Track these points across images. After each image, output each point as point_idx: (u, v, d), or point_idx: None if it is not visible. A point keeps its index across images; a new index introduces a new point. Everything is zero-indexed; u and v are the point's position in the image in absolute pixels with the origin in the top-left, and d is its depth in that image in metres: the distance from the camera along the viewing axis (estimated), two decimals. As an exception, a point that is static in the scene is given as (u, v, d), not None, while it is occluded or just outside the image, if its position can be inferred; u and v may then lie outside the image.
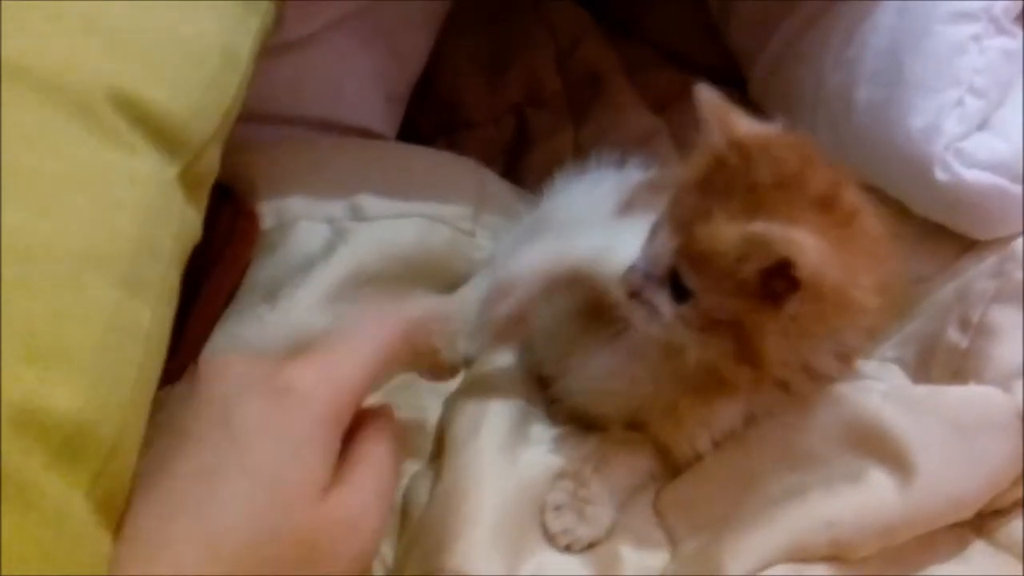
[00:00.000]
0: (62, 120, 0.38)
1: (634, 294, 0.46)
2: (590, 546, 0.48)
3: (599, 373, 0.51)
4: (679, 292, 0.44)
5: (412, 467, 0.53)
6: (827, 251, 0.40)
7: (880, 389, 0.49)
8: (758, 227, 0.41)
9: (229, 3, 0.50)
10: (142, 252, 0.38)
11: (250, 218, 0.63)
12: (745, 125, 0.45)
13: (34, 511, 0.30)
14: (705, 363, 0.46)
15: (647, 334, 0.47)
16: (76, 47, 0.40)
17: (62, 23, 0.41)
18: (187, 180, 0.44)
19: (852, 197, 0.44)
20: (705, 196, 0.43)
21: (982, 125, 0.60)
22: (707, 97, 0.46)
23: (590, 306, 0.52)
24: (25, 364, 0.31)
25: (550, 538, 0.48)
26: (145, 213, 0.39)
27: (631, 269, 0.46)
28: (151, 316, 0.38)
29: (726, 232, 0.42)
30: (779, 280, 0.41)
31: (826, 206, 0.43)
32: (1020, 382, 0.48)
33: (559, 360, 0.54)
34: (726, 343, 0.44)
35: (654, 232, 0.46)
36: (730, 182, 0.43)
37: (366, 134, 0.78)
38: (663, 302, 0.45)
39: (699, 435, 0.49)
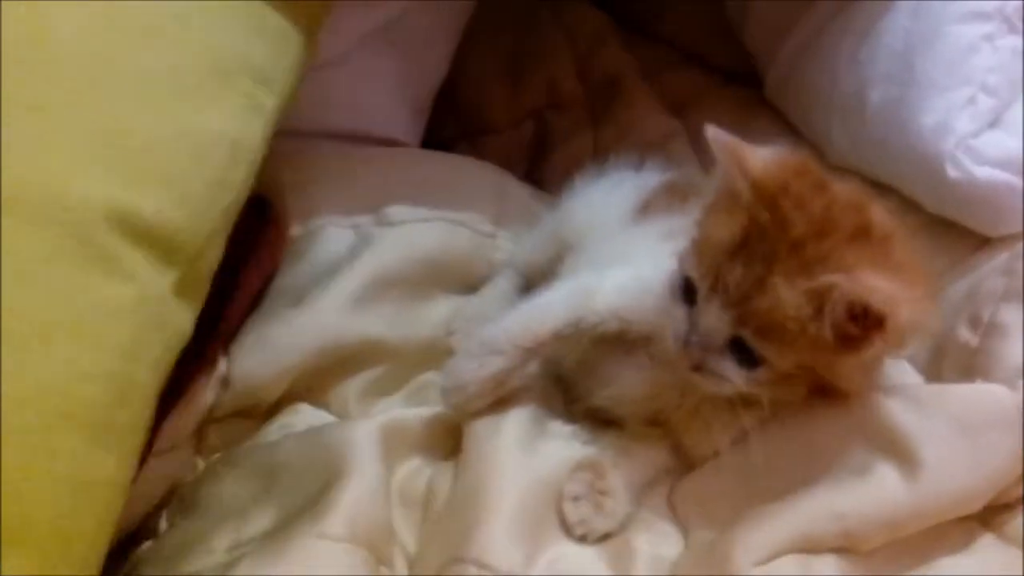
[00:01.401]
0: (57, 254, 0.38)
1: (697, 367, 0.46)
2: (605, 537, 0.49)
3: (623, 379, 0.52)
4: (746, 357, 0.44)
5: (434, 461, 0.55)
6: (893, 286, 0.41)
7: (888, 387, 0.49)
8: (828, 282, 0.41)
9: (247, 86, 0.49)
10: (122, 394, 0.39)
11: (279, 226, 0.66)
12: (759, 161, 0.45)
13: None
14: (778, 400, 0.47)
15: (717, 392, 0.47)
16: (76, 161, 0.40)
17: (62, 133, 0.40)
18: (184, 284, 0.44)
19: (878, 215, 0.45)
20: (751, 264, 0.43)
21: (994, 123, 0.60)
22: (719, 137, 0.46)
23: (606, 334, 0.52)
24: None
25: (566, 528, 0.49)
26: (134, 346, 0.40)
27: (688, 344, 0.45)
28: (115, 463, 0.39)
29: (790, 297, 0.41)
30: (853, 325, 0.41)
31: (862, 235, 0.43)
32: (1025, 379, 0.48)
33: (580, 364, 0.55)
34: (800, 385, 0.45)
35: (700, 304, 0.45)
36: (772, 244, 0.43)
37: (391, 144, 0.80)
38: (732, 371, 0.45)
39: (721, 437, 0.50)
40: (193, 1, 0.47)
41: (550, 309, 0.53)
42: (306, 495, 0.49)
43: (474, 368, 0.52)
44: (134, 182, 0.42)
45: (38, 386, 0.37)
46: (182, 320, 0.46)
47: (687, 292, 0.46)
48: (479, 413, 0.54)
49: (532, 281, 0.67)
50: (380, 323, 0.61)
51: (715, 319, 0.44)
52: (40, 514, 0.36)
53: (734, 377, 0.45)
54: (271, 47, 0.52)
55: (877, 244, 0.43)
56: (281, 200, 0.67)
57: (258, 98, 0.50)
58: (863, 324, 0.41)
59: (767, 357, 0.44)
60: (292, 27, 0.54)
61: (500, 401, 0.54)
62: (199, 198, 0.45)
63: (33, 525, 0.35)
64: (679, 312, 0.46)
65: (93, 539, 0.38)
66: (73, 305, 0.39)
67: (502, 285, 0.68)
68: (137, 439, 0.42)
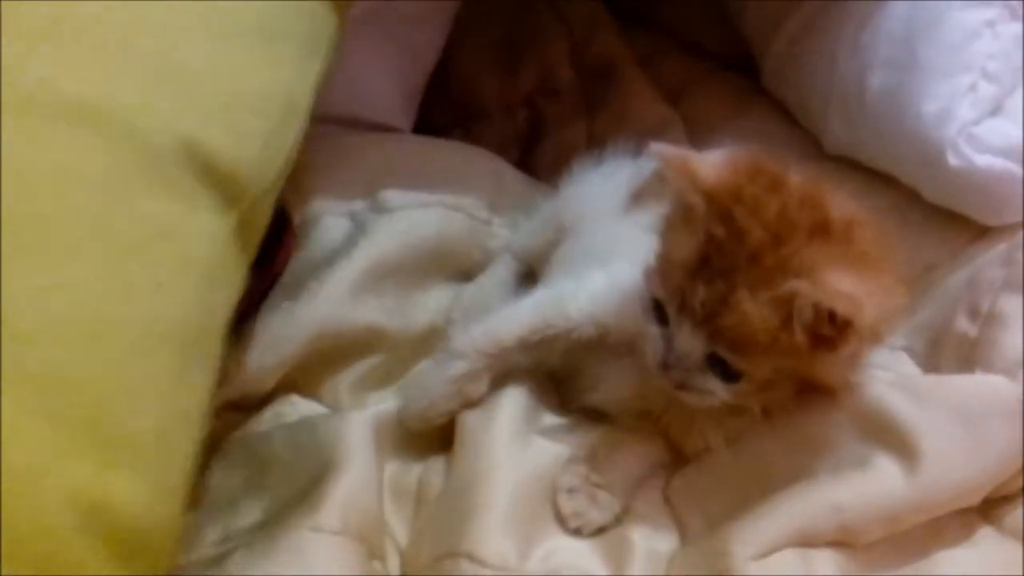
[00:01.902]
0: (140, 175, 0.37)
1: (680, 387, 0.46)
2: (600, 530, 0.49)
3: (613, 382, 0.52)
4: (727, 371, 0.44)
5: (426, 454, 0.54)
6: (858, 281, 0.40)
7: (887, 378, 0.49)
8: (789, 289, 0.40)
9: (294, 49, 0.49)
10: (203, 323, 0.38)
11: (291, 230, 0.64)
12: (708, 170, 0.44)
13: None
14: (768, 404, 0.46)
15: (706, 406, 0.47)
16: (148, 89, 0.39)
17: (136, 62, 0.39)
18: (242, 232, 0.43)
19: (836, 206, 0.44)
20: (712, 282, 0.42)
21: (995, 110, 0.59)
22: (664, 152, 0.45)
23: (585, 339, 0.52)
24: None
25: (561, 520, 0.48)
26: (206, 279, 0.39)
27: (666, 365, 0.45)
28: (203, 391, 0.38)
29: (755, 310, 0.41)
30: (826, 325, 0.41)
31: (821, 231, 0.43)
32: (1026, 370, 0.48)
33: (567, 366, 0.55)
34: (787, 389, 0.45)
35: (672, 326, 0.45)
36: (731, 258, 0.42)
37: (384, 129, 0.79)
38: (715, 386, 0.45)
39: (714, 435, 0.50)
40: None
41: (516, 317, 0.53)
42: (297, 487, 0.49)
43: (436, 373, 0.52)
44: (204, 119, 0.41)
45: (139, 303, 0.35)
46: (239, 271, 0.44)
47: (658, 311, 0.46)
48: (442, 426, 0.53)
49: (529, 268, 0.67)
50: (378, 312, 0.60)
51: (687, 341, 0.44)
52: (145, 437, 0.34)
53: (717, 391, 0.45)
54: (312, 22, 0.52)
55: (837, 237, 0.43)
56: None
57: (305, 64, 0.50)
58: (832, 326, 0.41)
59: (744, 370, 0.44)
60: (329, 10, 0.53)
61: (493, 395, 0.53)
62: (259, 147, 0.44)
63: (140, 448, 0.34)
64: (654, 331, 0.46)
65: (184, 470, 0.36)
66: (153, 224, 0.37)
67: (500, 272, 0.67)
68: (213, 375, 0.41)
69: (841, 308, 0.40)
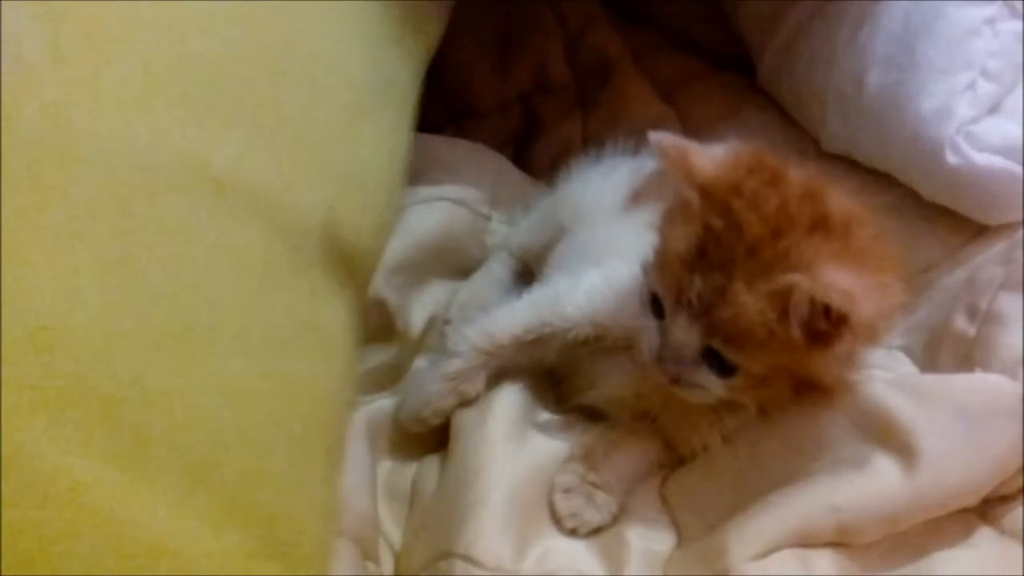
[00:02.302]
0: (283, 258, 0.35)
1: (674, 381, 0.45)
2: (596, 530, 0.48)
3: (610, 381, 0.52)
4: (722, 365, 0.44)
5: (421, 453, 0.54)
6: (855, 278, 0.40)
7: (886, 377, 0.49)
8: (785, 283, 0.40)
9: (393, 113, 0.48)
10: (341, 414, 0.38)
11: None
12: (707, 162, 0.44)
13: None
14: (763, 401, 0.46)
15: (701, 401, 0.46)
16: (294, 165, 0.37)
17: (282, 139, 0.37)
18: (357, 302, 0.42)
19: (837, 202, 0.44)
20: (710, 274, 0.42)
21: (994, 109, 0.59)
22: (662, 142, 0.44)
23: (582, 339, 0.51)
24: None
25: (557, 520, 0.48)
26: (348, 367, 0.39)
27: (661, 359, 0.45)
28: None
29: (752, 303, 0.41)
30: (822, 320, 0.40)
31: (820, 227, 0.42)
32: (1027, 369, 0.48)
33: (565, 364, 0.54)
34: (782, 387, 0.44)
35: (668, 319, 0.44)
36: (729, 251, 0.42)
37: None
38: (710, 380, 0.44)
39: (710, 434, 0.50)
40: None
41: (512, 316, 0.53)
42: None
43: (431, 372, 0.52)
44: (340, 195, 0.40)
45: (298, 398, 0.35)
46: (356, 356, 0.43)
47: (656, 305, 0.46)
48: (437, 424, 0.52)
49: (526, 266, 0.66)
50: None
51: (683, 333, 0.44)
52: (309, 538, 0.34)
53: (712, 386, 0.45)
54: (402, 83, 0.52)
55: (837, 233, 0.42)
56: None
57: (402, 125, 0.50)
58: (828, 322, 0.40)
59: (740, 364, 0.43)
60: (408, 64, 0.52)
61: (488, 393, 0.52)
62: (378, 222, 0.44)
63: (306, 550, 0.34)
64: (650, 325, 0.46)
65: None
66: (307, 317, 0.36)
67: (496, 270, 0.67)
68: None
69: (837, 303, 0.39)
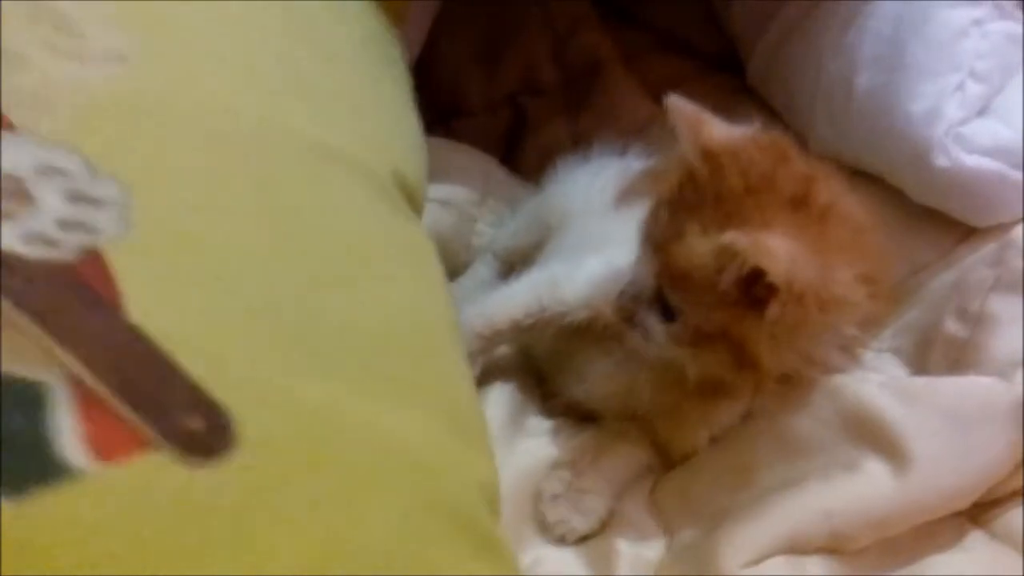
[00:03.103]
0: (378, 199, 0.40)
1: (627, 318, 0.45)
2: (585, 538, 0.47)
3: (599, 374, 0.51)
4: (667, 311, 0.44)
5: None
6: (798, 252, 0.39)
7: (877, 380, 0.48)
8: (727, 238, 0.40)
9: (399, 71, 0.54)
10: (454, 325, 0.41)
11: None
12: (719, 131, 0.44)
13: None
14: (706, 373, 0.45)
15: (646, 354, 0.46)
16: (365, 130, 0.43)
17: (355, 107, 0.43)
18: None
19: (825, 192, 0.43)
20: (677, 213, 0.43)
21: (983, 110, 0.58)
22: (679, 105, 0.44)
23: (576, 325, 0.51)
24: None
25: (544, 528, 0.47)
26: (440, 283, 0.42)
27: (621, 293, 0.46)
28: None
29: (699, 247, 0.41)
30: (758, 287, 0.40)
31: (798, 205, 0.42)
32: (1020, 372, 0.47)
33: (557, 358, 0.54)
34: (721, 354, 0.44)
35: (638, 255, 0.46)
36: (700, 195, 0.42)
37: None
38: (653, 323, 0.44)
39: (700, 433, 0.49)
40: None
41: (511, 299, 0.52)
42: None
43: None
44: (398, 153, 0.45)
45: (431, 311, 0.39)
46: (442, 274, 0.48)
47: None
48: None
49: (513, 267, 0.66)
50: None
51: (642, 267, 0.44)
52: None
53: (655, 331, 0.44)
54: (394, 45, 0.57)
55: (809, 213, 0.42)
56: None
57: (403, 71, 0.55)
58: (761, 287, 0.40)
59: (679, 307, 0.43)
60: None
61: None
62: (423, 161, 0.50)
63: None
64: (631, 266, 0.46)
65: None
66: (412, 243, 0.41)
67: (482, 272, 0.66)
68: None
69: (765, 265, 0.39)
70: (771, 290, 0.40)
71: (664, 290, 0.43)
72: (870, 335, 0.51)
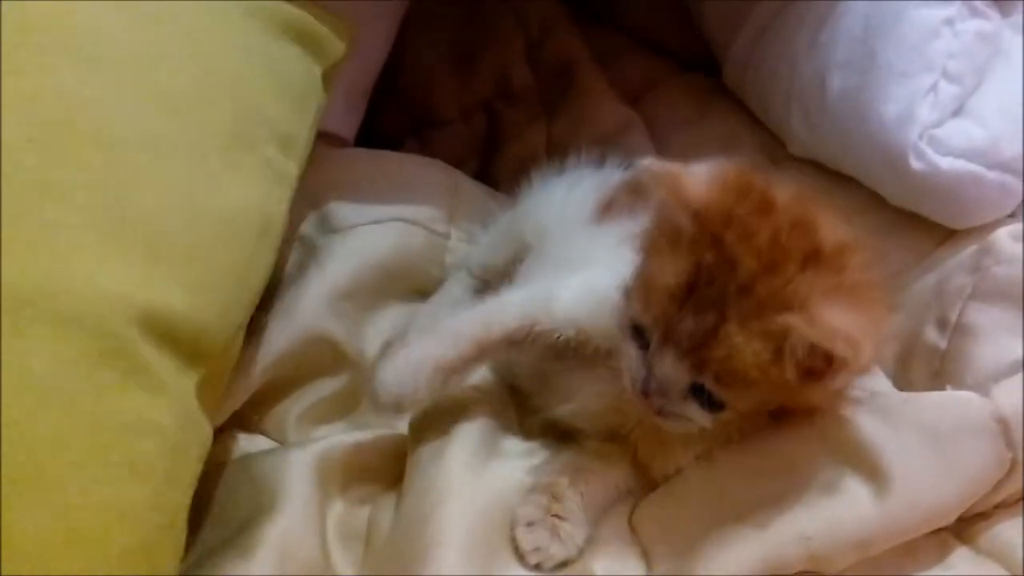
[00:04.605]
0: (88, 367, 0.34)
1: (659, 413, 0.44)
2: (562, 564, 0.46)
3: (582, 392, 0.49)
4: (711, 401, 0.42)
5: (377, 490, 0.51)
6: (853, 318, 0.39)
7: (855, 397, 0.47)
8: (781, 326, 0.39)
9: (267, 158, 0.45)
10: (168, 526, 0.37)
11: None
12: (699, 187, 0.42)
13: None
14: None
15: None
16: (94, 252, 0.35)
17: (75, 218, 0.35)
18: (205, 387, 0.41)
19: (828, 230, 0.42)
20: (701, 310, 0.41)
21: (957, 111, 0.58)
22: (653, 169, 0.43)
23: (564, 343, 0.49)
24: None
25: (520, 555, 0.46)
26: (173, 471, 0.37)
27: (645, 392, 0.43)
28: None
29: (747, 343, 0.40)
30: (819, 361, 0.39)
31: (815, 259, 0.41)
32: (999, 384, 0.46)
33: (542, 376, 0.52)
34: (767, 413, 0.44)
35: (654, 352, 0.43)
36: (720, 285, 0.40)
37: (323, 136, 0.75)
38: (697, 414, 0.43)
39: (682, 454, 0.48)
40: (217, 59, 0.43)
41: (506, 309, 0.50)
42: (230, 530, 0.45)
43: (417, 354, 0.48)
44: (160, 274, 0.37)
45: (72, 530, 0.33)
46: (206, 427, 0.41)
47: (637, 332, 0.44)
48: (421, 435, 0.50)
49: (486, 284, 0.64)
50: (337, 331, 0.57)
51: (671, 369, 0.42)
52: None
53: (698, 419, 0.43)
54: (294, 106, 0.49)
55: (830, 266, 0.41)
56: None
57: (282, 166, 0.47)
58: (824, 361, 0.39)
59: (729, 401, 0.42)
60: (315, 81, 0.50)
61: (446, 421, 0.50)
62: (228, 286, 0.41)
63: None
64: (633, 353, 0.44)
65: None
66: (109, 429, 0.35)
67: (455, 291, 0.64)
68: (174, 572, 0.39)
69: (839, 349, 0.38)
70: (838, 363, 0.39)
71: (709, 388, 0.42)
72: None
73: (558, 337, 0.49)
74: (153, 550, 0.36)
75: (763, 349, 0.40)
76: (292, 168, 0.48)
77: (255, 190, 0.44)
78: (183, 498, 0.39)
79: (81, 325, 0.34)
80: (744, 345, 0.40)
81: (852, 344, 0.38)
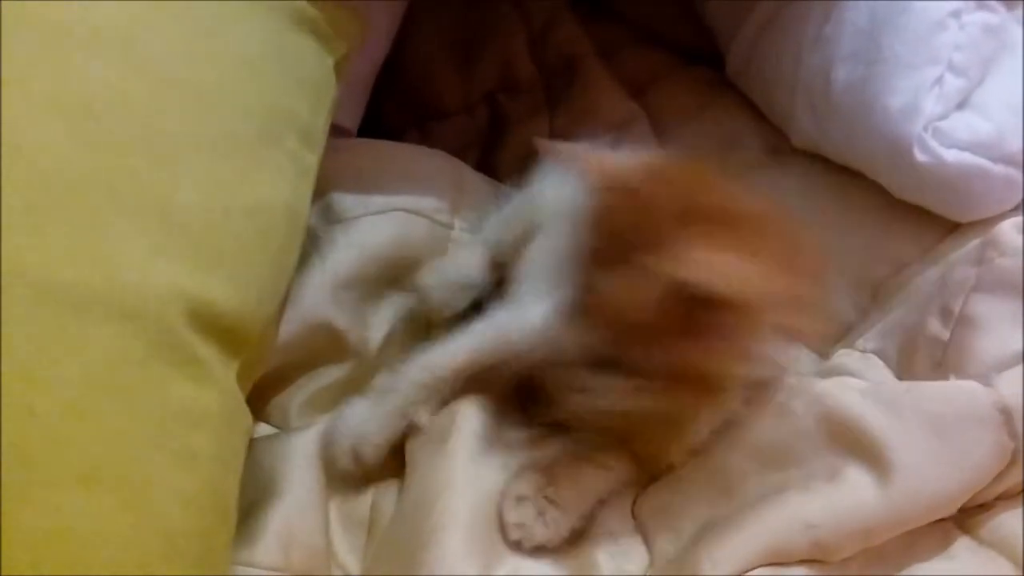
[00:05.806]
0: (144, 359, 0.35)
1: (569, 387, 0.44)
2: (539, 548, 0.46)
3: (603, 386, 0.49)
4: (615, 367, 0.42)
5: (379, 479, 0.51)
6: (734, 263, 0.39)
7: (859, 386, 0.47)
8: (658, 269, 0.38)
9: (291, 151, 0.46)
10: (221, 514, 0.38)
11: None
12: (611, 164, 0.43)
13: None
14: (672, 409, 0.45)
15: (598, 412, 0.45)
16: (141, 246, 0.37)
17: (117, 213, 0.36)
18: (243, 375, 0.42)
19: (717, 193, 0.42)
20: (595, 270, 0.42)
21: (962, 104, 0.57)
22: (560, 148, 0.44)
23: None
24: None
25: (502, 526, 0.45)
26: (223, 458, 0.39)
27: (555, 365, 0.44)
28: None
29: (630, 292, 0.40)
30: (698, 308, 0.39)
31: (706, 218, 0.41)
32: (1001, 375, 0.46)
33: (539, 376, 0.52)
34: (686, 382, 0.43)
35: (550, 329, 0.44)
36: (611, 245, 0.41)
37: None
38: (600, 384, 0.43)
39: (680, 444, 0.48)
40: (241, 53, 0.44)
41: (452, 349, 0.51)
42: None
43: (368, 407, 0.50)
44: (203, 267, 0.39)
45: (139, 520, 0.34)
46: (248, 415, 0.43)
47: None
48: (430, 422, 0.50)
49: (498, 259, 0.64)
50: (341, 320, 0.57)
51: (566, 336, 0.43)
52: None
53: (605, 388, 0.43)
54: (312, 99, 0.50)
55: (715, 222, 0.41)
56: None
57: (304, 159, 0.47)
58: (706, 305, 0.39)
59: (628, 361, 0.42)
60: (328, 73, 0.51)
61: (450, 410, 0.50)
62: (262, 279, 0.42)
63: None
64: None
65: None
66: (167, 420, 0.36)
67: (477, 250, 0.64)
68: (228, 556, 0.40)
69: (712, 283, 0.38)
70: (713, 304, 0.39)
71: (606, 349, 0.42)
72: (813, 321, 0.49)
73: (529, 358, 0.49)
74: (211, 534, 0.37)
75: (645, 295, 0.39)
76: (313, 160, 0.49)
77: (282, 183, 0.45)
78: (234, 483, 0.40)
79: (141, 321, 0.35)
80: (627, 292, 0.40)
81: (725, 281, 0.37)
